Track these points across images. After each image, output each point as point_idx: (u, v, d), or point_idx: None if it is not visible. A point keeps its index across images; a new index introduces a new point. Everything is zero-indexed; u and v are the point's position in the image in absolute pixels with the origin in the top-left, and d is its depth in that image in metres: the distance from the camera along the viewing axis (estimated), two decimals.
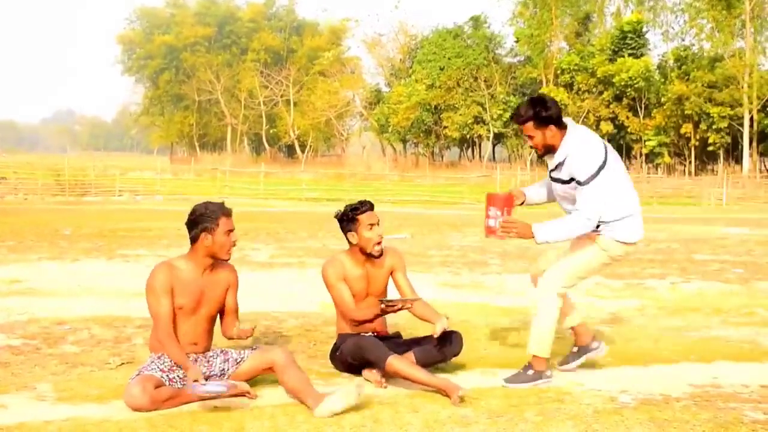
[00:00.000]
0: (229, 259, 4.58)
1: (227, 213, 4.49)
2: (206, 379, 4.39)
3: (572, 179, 4.61)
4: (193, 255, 4.54)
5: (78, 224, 16.79)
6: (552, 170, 4.76)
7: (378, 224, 4.96)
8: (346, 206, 5.03)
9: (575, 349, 5.14)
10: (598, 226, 4.65)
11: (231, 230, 4.50)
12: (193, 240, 4.50)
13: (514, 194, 4.87)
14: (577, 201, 4.60)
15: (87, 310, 7.05)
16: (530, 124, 4.65)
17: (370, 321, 4.93)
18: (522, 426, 4.00)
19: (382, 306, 4.75)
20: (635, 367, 5.35)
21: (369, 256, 5.00)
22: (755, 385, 4.84)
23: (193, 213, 4.51)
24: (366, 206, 4.97)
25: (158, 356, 4.43)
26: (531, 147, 4.78)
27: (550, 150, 4.69)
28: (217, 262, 4.56)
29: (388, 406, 4.29)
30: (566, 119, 4.73)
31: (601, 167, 4.54)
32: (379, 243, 4.95)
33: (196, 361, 4.47)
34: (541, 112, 4.61)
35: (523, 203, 4.97)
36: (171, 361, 4.41)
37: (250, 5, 72.72)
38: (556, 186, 4.78)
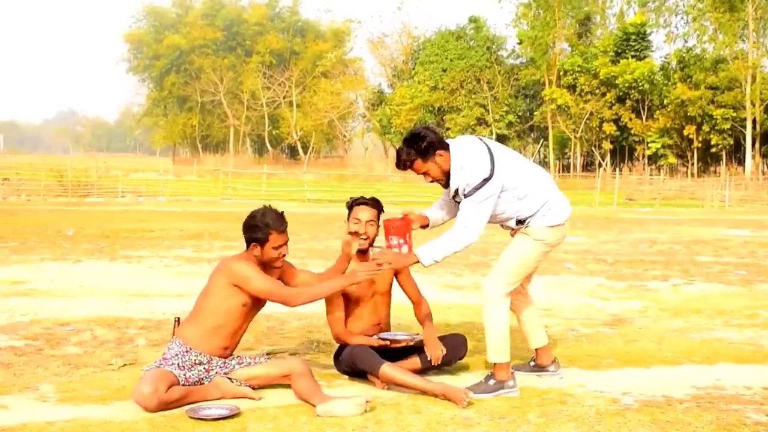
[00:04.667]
0: (279, 266, 4.66)
1: (280, 229, 4.52)
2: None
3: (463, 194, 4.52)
4: (248, 256, 4.59)
5: (80, 225, 16.81)
6: (454, 196, 4.65)
7: (368, 222, 4.91)
8: (355, 197, 5.09)
9: (532, 363, 5.13)
10: (523, 221, 4.61)
11: (281, 245, 4.55)
12: (246, 243, 4.56)
13: (411, 218, 4.77)
14: (459, 210, 4.53)
15: (89, 311, 7.05)
16: (418, 162, 4.53)
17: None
18: (524, 427, 4.00)
19: (386, 342, 4.83)
20: (637, 368, 5.34)
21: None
22: (758, 387, 4.84)
23: (251, 218, 4.54)
24: (360, 199, 5.00)
25: (186, 350, 4.44)
26: (431, 182, 4.64)
27: (449, 176, 4.57)
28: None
29: (391, 407, 4.30)
30: (446, 140, 4.64)
31: (487, 179, 4.43)
32: (359, 237, 4.90)
33: (215, 362, 4.52)
34: (421, 144, 4.49)
35: (426, 226, 4.88)
36: (196, 357, 4.44)
37: (254, 6, 72.71)
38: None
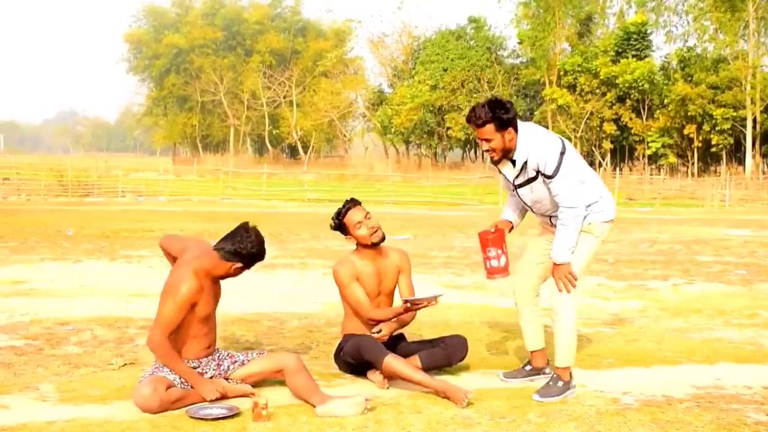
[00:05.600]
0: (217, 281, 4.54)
1: (254, 263, 4.45)
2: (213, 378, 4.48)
3: (538, 173, 4.55)
4: (207, 271, 4.43)
5: (81, 225, 16.81)
6: (516, 176, 4.67)
7: (366, 218, 4.95)
8: (332, 216, 5.06)
9: (528, 368, 5.06)
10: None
11: (238, 274, 4.49)
12: (227, 255, 4.39)
13: (502, 227, 4.83)
14: (553, 195, 4.56)
15: (89, 311, 7.06)
16: (490, 127, 4.50)
17: (389, 320, 4.97)
18: (525, 427, 4.00)
19: (408, 304, 4.80)
20: (638, 368, 5.34)
21: (374, 247, 5.01)
22: (758, 387, 4.84)
23: (254, 241, 4.39)
24: (346, 207, 4.99)
25: None
26: (486, 151, 4.61)
27: (506, 154, 4.60)
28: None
29: (391, 407, 4.30)
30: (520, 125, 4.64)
31: (563, 153, 4.52)
32: (374, 233, 4.96)
33: (207, 363, 4.50)
34: (503, 115, 4.49)
35: (512, 229, 4.93)
36: (185, 363, 4.42)
37: (256, 6, 72.70)
38: (524, 191, 4.71)
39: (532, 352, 5.05)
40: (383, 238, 5.02)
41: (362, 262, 5.03)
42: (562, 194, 4.52)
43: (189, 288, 4.29)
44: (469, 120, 4.62)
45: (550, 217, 4.77)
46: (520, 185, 4.70)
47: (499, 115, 4.49)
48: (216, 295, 4.54)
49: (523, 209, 4.95)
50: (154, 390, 4.14)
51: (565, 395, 4.56)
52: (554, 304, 4.65)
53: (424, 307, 4.81)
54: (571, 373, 4.66)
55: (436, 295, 4.81)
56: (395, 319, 4.98)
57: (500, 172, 4.76)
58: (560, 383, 4.60)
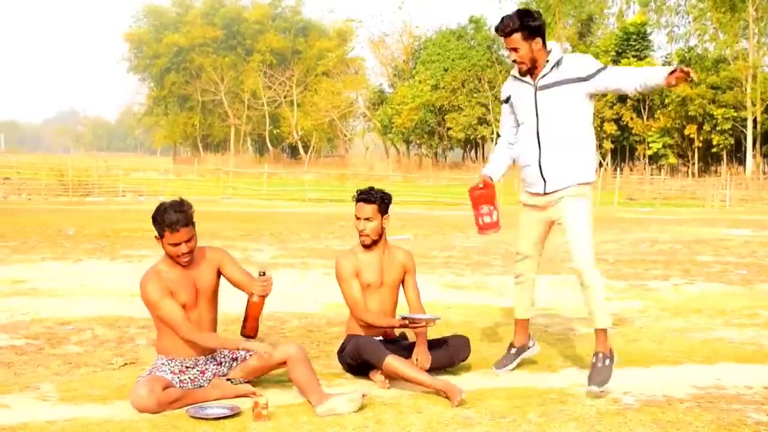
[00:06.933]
0: (184, 265, 4.45)
1: (173, 228, 4.31)
2: (222, 376, 4.52)
3: (570, 80, 4.54)
4: (162, 262, 4.49)
5: (81, 224, 16.82)
6: (542, 77, 4.59)
7: (362, 219, 4.94)
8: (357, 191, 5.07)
9: (513, 350, 5.08)
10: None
11: (176, 244, 4.36)
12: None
13: (490, 182, 4.81)
14: (606, 85, 4.55)
15: (90, 311, 7.06)
16: (518, 36, 4.50)
17: (381, 329, 4.97)
18: (525, 427, 4.00)
19: (405, 321, 4.79)
20: (638, 368, 5.34)
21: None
22: (758, 387, 4.83)
23: (155, 210, 4.44)
24: (359, 195, 4.98)
25: (169, 359, 4.43)
26: (514, 61, 4.59)
27: (533, 67, 4.57)
28: (198, 250, 4.51)
29: (391, 407, 4.29)
30: (550, 42, 4.64)
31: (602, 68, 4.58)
32: (361, 235, 4.97)
33: (205, 363, 4.50)
34: (531, 23, 4.49)
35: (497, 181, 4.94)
36: (182, 363, 4.42)
37: (256, 5, 72.77)
38: (543, 96, 4.60)
39: (517, 322, 5.07)
40: (369, 245, 5.00)
41: (365, 254, 5.04)
42: (614, 68, 4.56)
43: (150, 288, 4.37)
44: (497, 29, 4.62)
45: (541, 168, 4.68)
46: (544, 87, 4.62)
47: (527, 23, 4.49)
48: (193, 282, 4.46)
49: (510, 159, 4.90)
50: (150, 390, 4.14)
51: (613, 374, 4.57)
52: (584, 273, 4.65)
53: (420, 326, 4.82)
54: (611, 347, 4.69)
55: (434, 318, 4.85)
56: (419, 334, 4.91)
57: (507, 101, 4.75)
58: (607, 361, 4.62)
